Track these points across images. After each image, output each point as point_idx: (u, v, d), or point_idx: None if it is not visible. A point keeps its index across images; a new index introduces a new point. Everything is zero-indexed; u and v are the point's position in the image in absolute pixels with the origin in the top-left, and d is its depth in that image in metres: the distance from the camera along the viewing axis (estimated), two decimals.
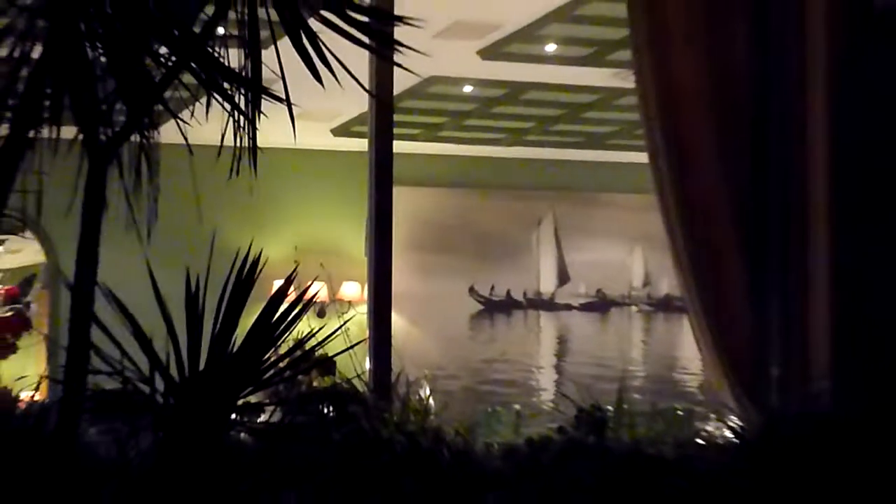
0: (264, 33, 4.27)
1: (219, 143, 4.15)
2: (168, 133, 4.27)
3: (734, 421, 6.30)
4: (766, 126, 6.66)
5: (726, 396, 6.54)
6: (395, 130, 6.69)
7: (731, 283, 6.57)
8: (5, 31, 4.16)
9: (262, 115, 4.29)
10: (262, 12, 4.28)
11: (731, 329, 6.56)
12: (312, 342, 4.57)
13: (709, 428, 6.22)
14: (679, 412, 6.15)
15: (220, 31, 4.30)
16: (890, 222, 6.38)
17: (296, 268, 4.65)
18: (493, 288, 17.40)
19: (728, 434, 6.18)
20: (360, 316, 6.71)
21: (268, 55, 4.27)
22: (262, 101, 4.27)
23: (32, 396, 5.20)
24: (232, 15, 4.29)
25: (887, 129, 6.41)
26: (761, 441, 5.96)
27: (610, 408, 5.95)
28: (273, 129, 4.32)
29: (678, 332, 12.94)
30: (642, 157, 6.79)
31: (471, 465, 5.56)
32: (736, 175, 6.59)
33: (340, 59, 4.30)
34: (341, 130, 13.55)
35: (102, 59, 4.18)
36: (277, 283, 4.48)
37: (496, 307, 17.42)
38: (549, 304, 17.61)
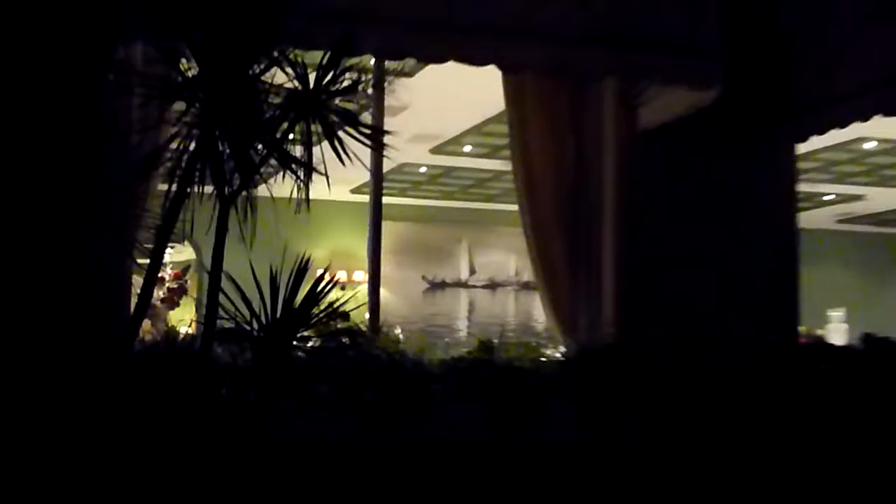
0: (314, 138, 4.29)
1: (289, 196, 4.18)
2: (262, 190, 4.28)
3: (562, 349, 6.31)
4: (570, 186, 6.58)
5: (558, 336, 6.52)
6: (384, 191, 6.66)
7: (561, 274, 6.50)
8: (176, 135, 4.17)
9: (312, 181, 4.31)
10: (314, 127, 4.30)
11: (560, 299, 6.52)
12: (337, 304, 4.55)
13: (549, 352, 6.20)
14: (533, 343, 6.12)
15: (290, 136, 4.30)
16: (651, 235, 6.32)
17: (329, 265, 4.60)
18: (434, 276, 17.37)
19: (558, 355, 6.19)
20: (363, 290, 6.64)
21: (316, 149, 4.29)
22: (313, 174, 4.29)
23: (187, 331, 5.19)
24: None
25: (643, 193, 6.36)
26: (576, 359, 5.98)
27: (496, 340, 5.95)
28: (318, 189, 4.32)
29: (534, 302, 12.78)
30: (515, 208, 6.73)
31: (422, 369, 5.57)
32: (565, 215, 6.53)
33: (355, 151, 4.32)
34: (356, 190, 13.53)
35: (228, 150, 4.18)
36: (319, 272, 4.45)
37: (436, 287, 17.39)
38: (465, 285, 17.59)
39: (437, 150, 13.44)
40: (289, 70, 4.22)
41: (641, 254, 6.26)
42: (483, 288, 17.57)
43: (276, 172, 4.30)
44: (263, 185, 4.24)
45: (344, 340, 5.41)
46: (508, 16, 5.41)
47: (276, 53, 4.20)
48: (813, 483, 5.50)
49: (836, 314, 15.35)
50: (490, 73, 5.72)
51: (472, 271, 17.56)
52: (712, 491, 5.57)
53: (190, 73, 4.17)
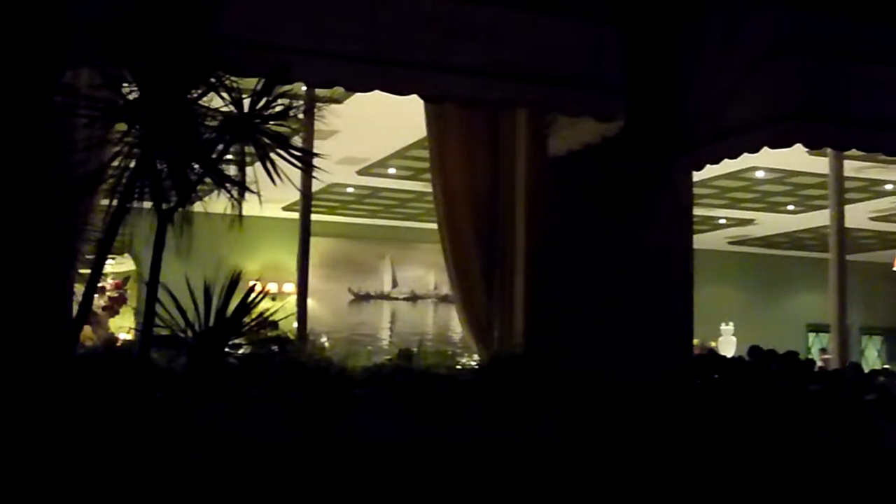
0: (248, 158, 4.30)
1: (223, 212, 4.18)
2: (198, 206, 4.27)
3: (476, 357, 6.34)
4: (485, 206, 6.61)
5: (473, 345, 6.55)
6: (314, 209, 6.67)
7: (476, 287, 6.54)
8: (117, 154, 4.15)
9: (245, 199, 4.30)
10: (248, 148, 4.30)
11: (475, 311, 6.56)
12: (267, 313, 4.53)
13: (463, 360, 6.22)
14: (449, 352, 6.14)
15: (226, 157, 4.30)
16: (560, 252, 6.37)
17: (260, 277, 4.59)
18: (359, 289, 17.34)
19: (472, 363, 6.22)
20: (293, 301, 6.62)
21: (251, 169, 4.29)
22: (246, 192, 4.28)
23: (126, 338, 5.15)
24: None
25: (553, 214, 6.42)
26: (488, 367, 6.02)
27: (415, 349, 5.97)
28: (252, 206, 4.31)
29: (452, 313, 12.93)
30: (435, 226, 6.75)
31: (346, 375, 5.57)
32: (480, 233, 6.57)
33: (286, 172, 4.33)
34: (288, 207, 13.46)
35: (166, 169, 4.17)
36: (252, 283, 4.44)
37: (361, 298, 17.36)
38: (387, 297, 17.58)
39: (363, 172, 13.48)
40: (225, 95, 4.22)
41: (550, 270, 6.31)
42: (404, 300, 17.59)
43: (212, 190, 4.30)
44: (200, 202, 4.24)
45: (273, 348, 5.40)
46: (429, 51, 5.45)
47: (213, 80, 4.20)
48: (703, 480, 5.57)
49: (727, 328, 15.57)
50: (413, 101, 5.76)
51: (395, 284, 17.57)
52: (611, 488, 5.62)
53: (132, 97, 4.16)
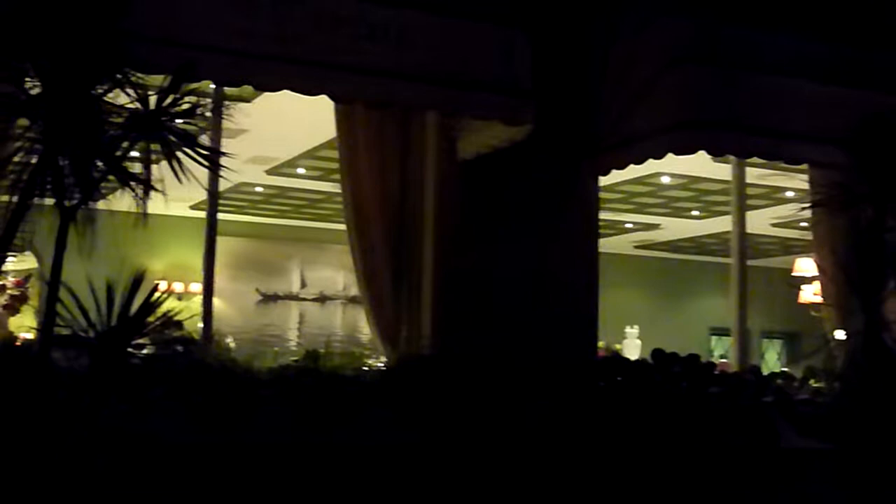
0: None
1: (130, 210, 4.13)
2: (102, 204, 4.22)
3: (382, 358, 6.34)
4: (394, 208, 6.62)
5: (380, 345, 6.54)
6: (222, 208, 6.62)
7: (384, 289, 6.53)
8: (19, 150, 4.08)
9: (151, 198, 4.27)
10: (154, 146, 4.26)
11: (382, 312, 6.55)
12: (172, 313, 4.49)
13: (371, 361, 6.21)
14: (357, 353, 6.12)
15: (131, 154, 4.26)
16: (468, 254, 6.39)
17: (165, 277, 4.54)
18: (268, 289, 17.23)
19: (380, 365, 6.22)
20: (199, 301, 6.56)
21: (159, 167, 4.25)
22: (151, 191, 4.24)
23: (27, 337, 5.07)
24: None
25: (462, 216, 6.45)
26: (395, 367, 6.02)
27: (322, 350, 5.94)
28: (159, 204, 4.27)
29: (361, 315, 12.88)
30: (344, 227, 6.74)
31: (251, 376, 5.53)
32: (389, 234, 6.56)
33: (194, 170, 4.29)
34: (195, 206, 13.31)
35: (69, 165, 4.11)
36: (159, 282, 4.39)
37: (269, 299, 17.25)
38: (296, 298, 17.49)
39: (273, 172, 13.40)
40: (131, 92, 4.18)
41: (458, 272, 6.33)
42: (313, 301, 17.50)
43: (116, 188, 4.25)
44: (104, 200, 4.18)
45: (178, 348, 5.34)
46: (339, 51, 5.44)
47: (119, 76, 4.15)
48: (605, 482, 5.64)
49: (632, 331, 15.75)
50: (324, 101, 5.74)
51: (303, 285, 17.48)
52: (515, 489, 5.66)
53: (35, 92, 4.09)
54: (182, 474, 5.10)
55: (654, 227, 17.21)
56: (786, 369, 8.14)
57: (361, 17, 5.52)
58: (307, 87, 5.46)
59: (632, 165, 6.54)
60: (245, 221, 16.29)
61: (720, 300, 15.35)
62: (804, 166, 7.05)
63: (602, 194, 6.99)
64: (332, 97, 5.78)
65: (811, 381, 6.80)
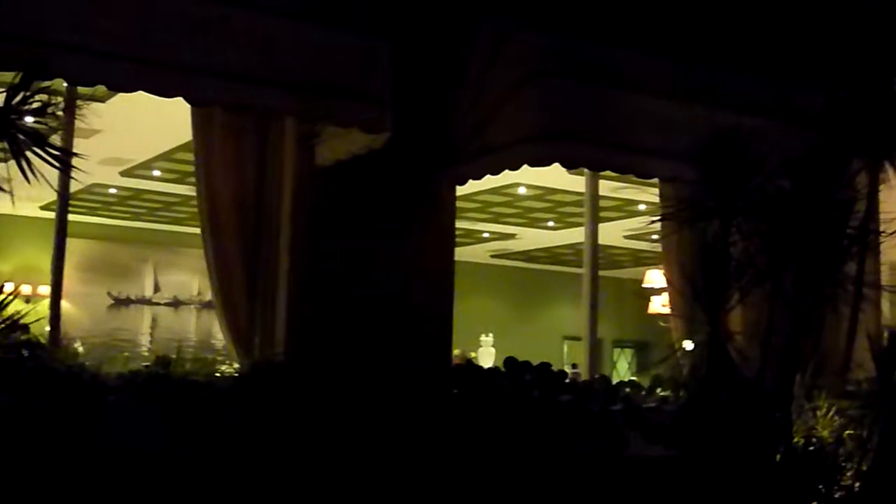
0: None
1: None
2: None
3: (236, 364, 6.27)
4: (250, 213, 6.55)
5: (233, 351, 6.46)
6: (75, 209, 6.46)
7: (238, 294, 6.43)
8: None
9: None
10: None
11: (236, 318, 6.46)
12: (17, 316, 4.38)
13: (224, 367, 6.14)
14: (210, 359, 6.06)
15: None
16: (325, 260, 6.36)
17: (10, 279, 4.44)
18: (120, 293, 16.91)
19: (233, 371, 6.15)
20: (47, 303, 6.39)
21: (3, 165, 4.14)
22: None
23: None
24: None
25: (318, 223, 6.42)
26: (248, 375, 5.97)
27: (173, 355, 5.86)
28: (5, 205, 4.16)
29: (214, 320, 12.75)
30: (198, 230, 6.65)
31: (99, 381, 5.42)
32: (244, 239, 6.48)
33: (44, 170, 4.20)
34: (46, 207, 13.03)
35: None
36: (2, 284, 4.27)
37: (121, 303, 16.94)
38: (149, 302, 17.20)
39: (127, 173, 13.17)
40: None
41: (314, 279, 6.31)
42: (167, 305, 17.24)
43: None
44: None
45: (24, 352, 5.21)
46: (195, 54, 5.38)
47: None
48: (457, 489, 5.68)
49: (487, 339, 15.91)
50: (180, 103, 5.66)
51: (157, 289, 17.20)
52: (368, 494, 5.67)
53: None
54: (26, 482, 4.96)
55: (510, 236, 17.45)
56: (634, 378, 8.35)
57: (224, 20, 5.47)
58: (162, 89, 5.38)
59: (489, 176, 6.62)
60: (98, 223, 15.96)
61: (573, 309, 15.64)
62: (655, 180, 7.24)
63: (459, 203, 7.06)
64: (188, 100, 5.71)
65: (658, 390, 6.99)
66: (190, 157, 6.95)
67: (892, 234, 5.40)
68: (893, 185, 5.65)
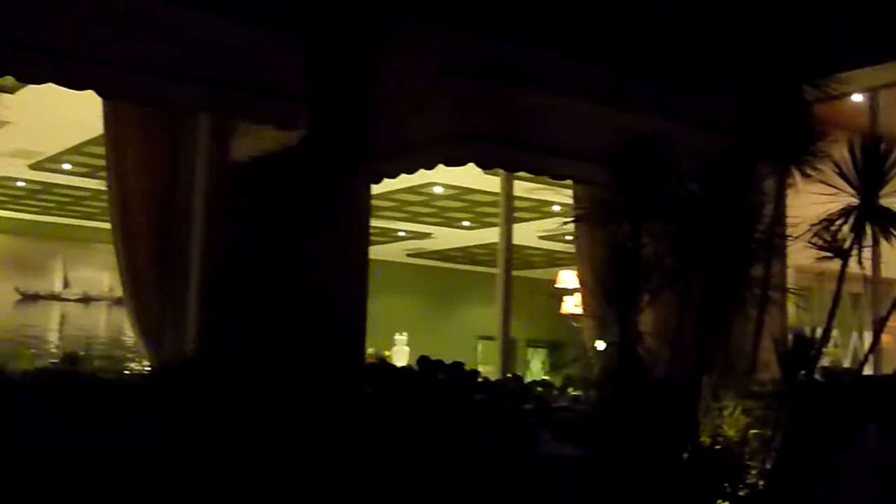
0: None
1: None
2: None
3: (146, 362, 6.21)
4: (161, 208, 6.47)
5: (143, 348, 6.40)
6: None
7: (148, 291, 6.40)
8: None
9: None
10: None
11: (147, 315, 6.40)
12: None
13: (134, 365, 6.08)
14: (119, 356, 5.99)
15: None
16: (238, 257, 6.31)
17: None
18: (28, 288, 16.60)
19: (143, 368, 6.09)
20: None
21: None
22: None
23: None
24: None
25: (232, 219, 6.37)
26: (158, 373, 5.91)
27: (82, 352, 5.78)
28: None
29: (125, 316, 12.55)
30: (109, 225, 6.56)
31: (7, 378, 5.32)
32: (155, 235, 6.43)
33: None
34: None
35: None
36: None
37: (29, 298, 16.62)
38: (58, 298, 16.91)
39: (36, 167, 12.90)
40: None
41: (226, 276, 6.27)
42: (77, 301, 16.92)
43: None
44: None
45: None
46: (106, 46, 5.31)
47: None
48: (368, 489, 5.67)
49: (401, 338, 15.91)
50: (92, 95, 5.58)
51: (67, 285, 16.90)
52: (279, 494, 5.64)
53: None
54: None
55: (426, 236, 17.46)
56: (547, 378, 8.41)
57: (131, 11, 5.40)
58: (72, 81, 5.30)
59: (405, 174, 6.63)
60: (5, 217, 15.62)
61: (488, 309, 15.71)
62: (570, 182, 7.30)
63: (375, 202, 7.05)
64: (98, 92, 5.63)
65: (570, 389, 7.04)
66: (101, 150, 6.86)
67: (798, 237, 5.50)
68: (800, 189, 5.76)
